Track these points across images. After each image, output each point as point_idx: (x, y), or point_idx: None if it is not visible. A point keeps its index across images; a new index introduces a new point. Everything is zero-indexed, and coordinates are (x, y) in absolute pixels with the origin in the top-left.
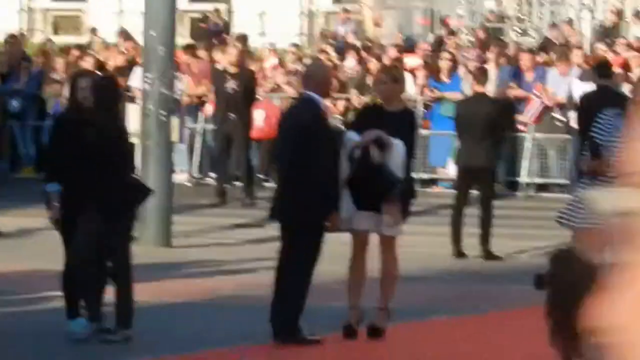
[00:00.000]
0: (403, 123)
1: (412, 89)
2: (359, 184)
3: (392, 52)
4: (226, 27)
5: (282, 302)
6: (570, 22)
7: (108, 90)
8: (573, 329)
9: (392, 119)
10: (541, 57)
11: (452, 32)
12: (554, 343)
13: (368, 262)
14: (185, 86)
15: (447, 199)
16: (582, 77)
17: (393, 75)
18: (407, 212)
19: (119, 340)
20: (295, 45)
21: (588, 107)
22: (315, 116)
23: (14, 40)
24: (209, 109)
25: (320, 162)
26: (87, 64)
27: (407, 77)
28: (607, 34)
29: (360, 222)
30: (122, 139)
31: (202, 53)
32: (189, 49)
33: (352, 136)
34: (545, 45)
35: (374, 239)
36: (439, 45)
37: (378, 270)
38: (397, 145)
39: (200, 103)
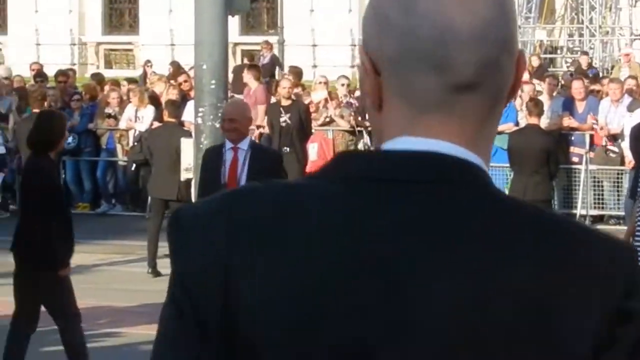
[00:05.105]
0: None
1: None
2: None
3: None
4: (273, 61)
5: None
6: (621, 51)
7: None
8: None
9: None
10: (594, 86)
11: None
12: None
13: None
14: None
15: None
16: (631, 108)
17: None
18: None
19: None
20: (346, 78)
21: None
22: None
23: (65, 75)
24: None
25: None
26: (140, 97)
27: None
28: None
29: None
30: None
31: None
32: (252, 68)
33: None
34: (597, 76)
35: None
36: None
37: None
38: None
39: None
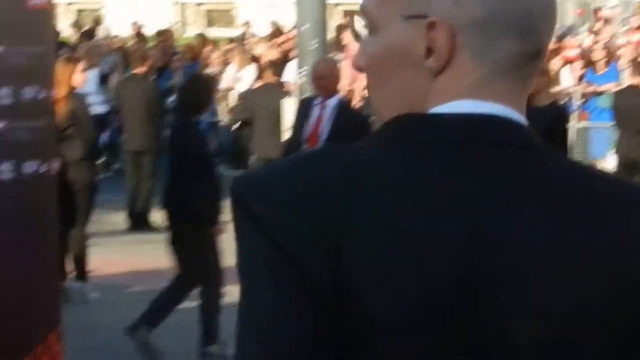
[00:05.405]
0: (553, 118)
1: (570, 80)
2: None
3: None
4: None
5: None
6: None
7: None
8: None
9: (541, 114)
10: None
11: (607, 21)
12: None
13: None
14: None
15: None
16: None
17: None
18: None
19: None
20: None
21: None
22: None
23: (165, 35)
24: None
25: None
26: (241, 58)
27: (565, 68)
28: None
29: None
30: None
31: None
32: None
33: None
34: None
35: None
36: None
37: None
38: None
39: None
